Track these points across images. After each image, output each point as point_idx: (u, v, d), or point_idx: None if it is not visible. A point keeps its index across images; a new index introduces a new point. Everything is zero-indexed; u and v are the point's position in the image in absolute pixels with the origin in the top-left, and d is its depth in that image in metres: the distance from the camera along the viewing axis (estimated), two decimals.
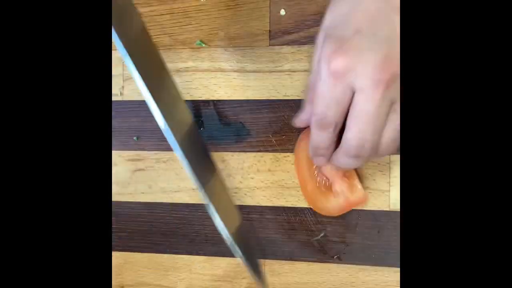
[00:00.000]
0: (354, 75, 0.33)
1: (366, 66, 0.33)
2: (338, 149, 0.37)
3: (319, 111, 0.35)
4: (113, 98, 0.48)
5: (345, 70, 0.33)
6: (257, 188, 0.45)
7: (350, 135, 0.35)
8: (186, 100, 0.46)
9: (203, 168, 0.40)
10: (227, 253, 0.46)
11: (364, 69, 0.33)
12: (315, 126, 0.36)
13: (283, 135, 0.45)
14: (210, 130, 0.46)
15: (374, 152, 0.36)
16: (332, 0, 0.37)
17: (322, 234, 0.44)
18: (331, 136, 0.37)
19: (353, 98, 0.34)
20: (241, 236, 0.41)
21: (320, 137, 0.37)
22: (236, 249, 0.40)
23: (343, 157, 0.36)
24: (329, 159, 0.39)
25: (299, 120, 0.41)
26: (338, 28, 0.35)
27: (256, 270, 0.42)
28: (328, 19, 0.36)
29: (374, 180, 0.43)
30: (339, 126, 0.36)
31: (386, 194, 0.43)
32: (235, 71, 0.45)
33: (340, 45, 0.34)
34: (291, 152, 0.45)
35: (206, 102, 0.46)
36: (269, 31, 0.45)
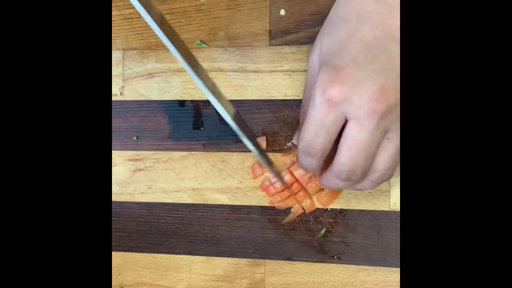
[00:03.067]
0: (349, 104, 0.33)
1: (361, 96, 0.33)
2: (329, 171, 0.37)
3: (307, 138, 0.36)
4: (113, 98, 0.48)
5: (340, 99, 0.33)
6: (257, 188, 0.45)
7: (342, 160, 0.35)
8: (186, 100, 0.46)
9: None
10: (227, 253, 0.46)
11: (359, 99, 0.33)
12: (302, 152, 0.37)
13: (283, 135, 0.45)
14: (210, 130, 0.46)
15: (364, 177, 0.36)
16: (328, 23, 0.37)
17: (323, 230, 0.44)
18: (318, 162, 0.37)
19: (346, 125, 0.34)
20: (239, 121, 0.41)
21: (306, 161, 0.37)
22: (239, 131, 0.38)
23: (332, 179, 0.37)
24: (317, 172, 0.39)
25: (298, 139, 0.41)
26: (335, 55, 0.35)
27: (260, 150, 0.42)
28: (324, 44, 0.36)
29: None
30: (326, 153, 0.36)
31: (386, 194, 0.43)
32: (235, 71, 0.45)
33: (336, 73, 0.34)
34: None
35: (206, 102, 0.46)
36: (269, 31, 0.45)
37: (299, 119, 0.41)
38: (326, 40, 0.36)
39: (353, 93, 0.33)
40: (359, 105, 0.33)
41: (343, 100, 0.33)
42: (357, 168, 0.35)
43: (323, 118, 0.34)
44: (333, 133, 0.35)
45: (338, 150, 0.35)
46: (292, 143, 0.44)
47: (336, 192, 0.43)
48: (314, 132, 0.35)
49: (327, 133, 0.35)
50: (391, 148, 0.35)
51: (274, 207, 0.45)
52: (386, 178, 0.36)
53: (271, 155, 0.45)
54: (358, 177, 0.36)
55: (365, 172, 0.36)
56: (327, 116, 0.34)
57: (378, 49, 0.34)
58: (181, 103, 0.47)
